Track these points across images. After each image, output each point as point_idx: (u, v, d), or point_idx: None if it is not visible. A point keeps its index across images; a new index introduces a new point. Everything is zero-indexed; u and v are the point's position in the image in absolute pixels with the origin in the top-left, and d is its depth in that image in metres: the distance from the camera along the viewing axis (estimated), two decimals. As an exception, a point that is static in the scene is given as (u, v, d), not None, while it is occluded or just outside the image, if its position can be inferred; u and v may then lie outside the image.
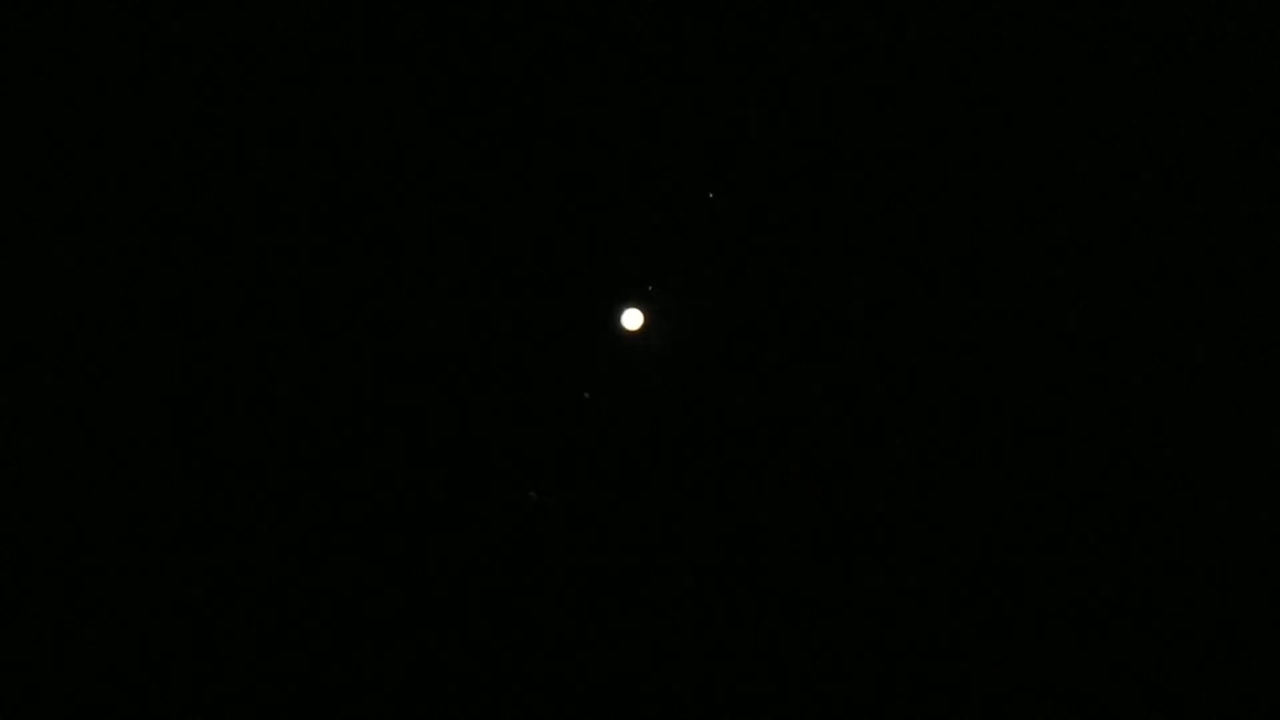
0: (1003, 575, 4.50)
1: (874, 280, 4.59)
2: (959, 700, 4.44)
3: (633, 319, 4.60)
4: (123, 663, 4.39)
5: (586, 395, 4.55)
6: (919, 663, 4.46)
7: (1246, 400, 4.51)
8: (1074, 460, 4.53)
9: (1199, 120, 4.58)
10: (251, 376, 4.51)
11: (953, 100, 4.60)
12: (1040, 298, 4.56)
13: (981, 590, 4.50)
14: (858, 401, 4.56)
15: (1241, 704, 4.38)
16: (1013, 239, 4.58)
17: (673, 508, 4.55)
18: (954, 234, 4.59)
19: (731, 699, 4.46)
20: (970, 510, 4.52)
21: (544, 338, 4.58)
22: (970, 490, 4.52)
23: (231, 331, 4.52)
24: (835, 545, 4.51)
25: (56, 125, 4.53)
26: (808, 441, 4.56)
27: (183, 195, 4.55)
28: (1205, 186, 4.58)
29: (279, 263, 4.54)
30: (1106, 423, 4.54)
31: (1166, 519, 4.49)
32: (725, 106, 4.60)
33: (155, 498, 4.46)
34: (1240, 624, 4.42)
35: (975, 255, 4.59)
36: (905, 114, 4.60)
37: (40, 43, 4.52)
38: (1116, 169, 4.60)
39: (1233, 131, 4.58)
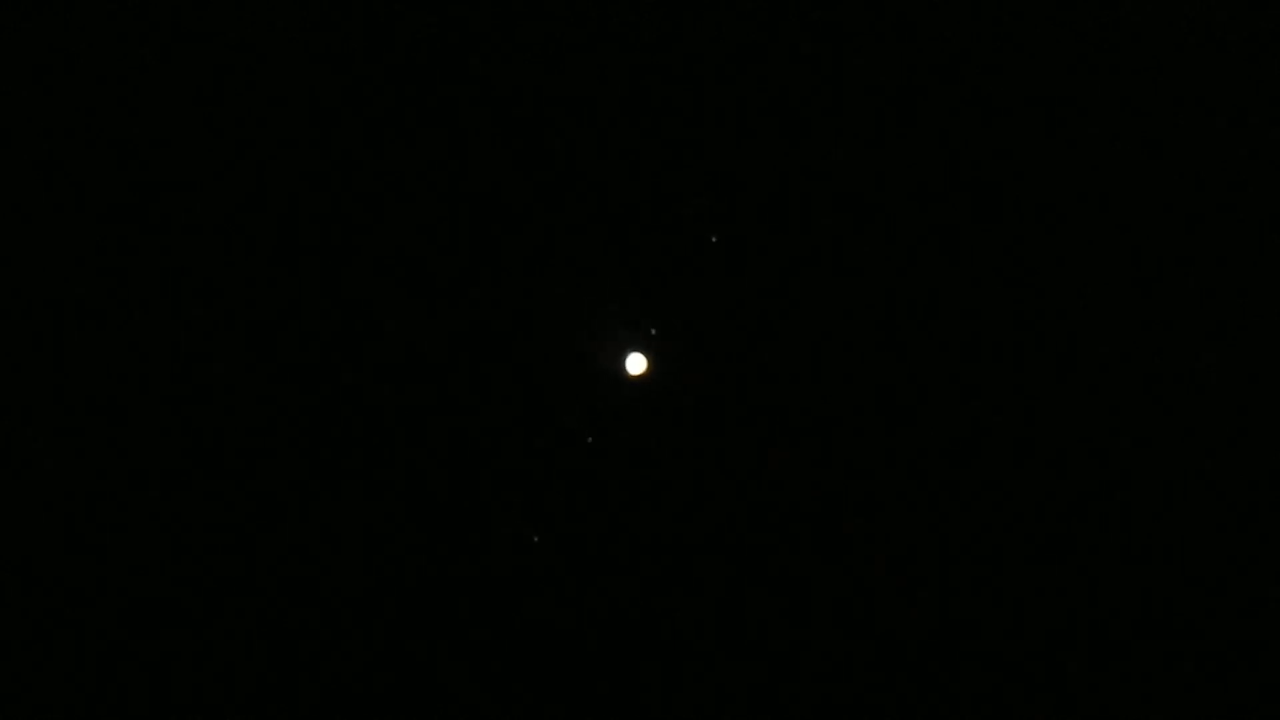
0: (1005, 580, 4.51)
1: (879, 323, 4.57)
2: (959, 700, 4.45)
3: (636, 364, 4.58)
4: (122, 662, 4.39)
5: (590, 440, 4.53)
6: (923, 679, 4.47)
7: (1247, 401, 4.51)
8: (1077, 462, 4.54)
9: (1199, 120, 4.59)
10: (258, 438, 4.52)
11: (958, 129, 4.60)
12: (1048, 316, 4.56)
13: (986, 599, 4.50)
14: (862, 443, 4.55)
15: (1241, 704, 4.38)
16: (1022, 261, 4.57)
17: (677, 550, 4.54)
18: (961, 263, 4.58)
19: None
20: (974, 541, 4.52)
21: (548, 383, 4.56)
22: (975, 526, 4.52)
23: (236, 371, 4.53)
24: (840, 587, 4.51)
25: (56, 125, 4.54)
26: (810, 484, 4.55)
27: (180, 195, 4.56)
28: (1205, 186, 4.58)
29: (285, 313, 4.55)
30: (1107, 423, 4.54)
31: (1166, 520, 4.49)
32: (729, 147, 4.59)
33: (144, 500, 4.47)
34: (1240, 624, 4.42)
35: (984, 277, 4.58)
36: (904, 143, 4.59)
37: (40, 43, 4.53)
38: (1117, 169, 4.60)
39: (1232, 131, 4.58)
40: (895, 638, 4.46)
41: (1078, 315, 4.56)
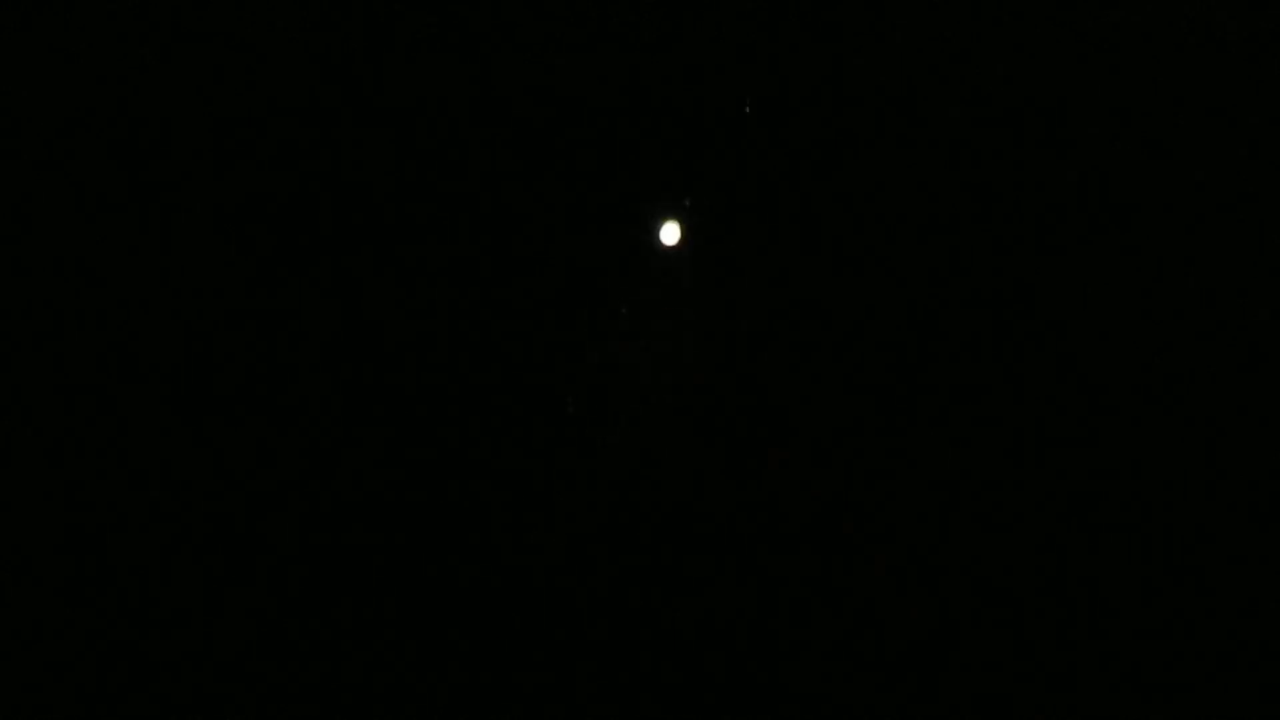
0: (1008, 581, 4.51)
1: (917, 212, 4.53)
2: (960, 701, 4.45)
3: (670, 234, 4.54)
4: (121, 662, 4.40)
5: (624, 310, 4.48)
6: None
7: (1246, 401, 4.52)
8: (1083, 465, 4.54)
9: (1199, 120, 4.59)
10: (250, 375, 4.51)
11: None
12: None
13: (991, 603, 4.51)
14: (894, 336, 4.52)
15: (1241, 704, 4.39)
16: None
17: (718, 445, 4.49)
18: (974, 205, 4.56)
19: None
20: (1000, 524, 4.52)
21: (581, 252, 4.52)
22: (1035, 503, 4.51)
23: (234, 337, 4.51)
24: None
25: (57, 125, 4.54)
26: (843, 370, 4.49)
27: (179, 194, 4.56)
28: (1205, 186, 4.58)
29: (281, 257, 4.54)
30: (1110, 423, 4.55)
31: (1166, 520, 4.50)
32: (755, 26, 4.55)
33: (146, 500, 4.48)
34: (1240, 624, 4.43)
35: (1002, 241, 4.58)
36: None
37: (40, 43, 4.53)
38: (1116, 169, 4.60)
39: (1233, 132, 4.58)
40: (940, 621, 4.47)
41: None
